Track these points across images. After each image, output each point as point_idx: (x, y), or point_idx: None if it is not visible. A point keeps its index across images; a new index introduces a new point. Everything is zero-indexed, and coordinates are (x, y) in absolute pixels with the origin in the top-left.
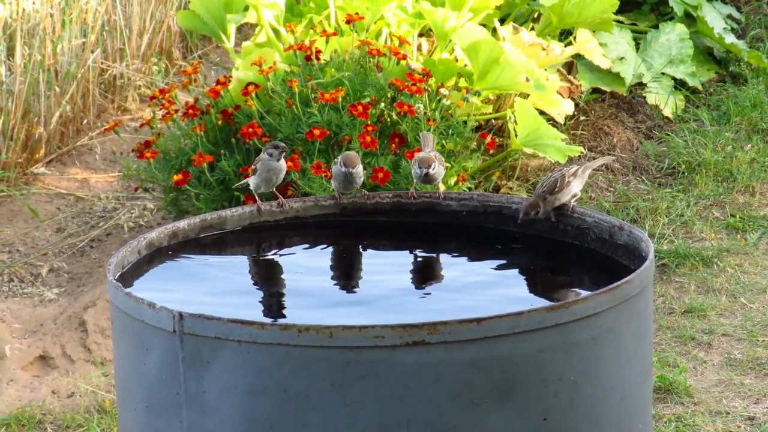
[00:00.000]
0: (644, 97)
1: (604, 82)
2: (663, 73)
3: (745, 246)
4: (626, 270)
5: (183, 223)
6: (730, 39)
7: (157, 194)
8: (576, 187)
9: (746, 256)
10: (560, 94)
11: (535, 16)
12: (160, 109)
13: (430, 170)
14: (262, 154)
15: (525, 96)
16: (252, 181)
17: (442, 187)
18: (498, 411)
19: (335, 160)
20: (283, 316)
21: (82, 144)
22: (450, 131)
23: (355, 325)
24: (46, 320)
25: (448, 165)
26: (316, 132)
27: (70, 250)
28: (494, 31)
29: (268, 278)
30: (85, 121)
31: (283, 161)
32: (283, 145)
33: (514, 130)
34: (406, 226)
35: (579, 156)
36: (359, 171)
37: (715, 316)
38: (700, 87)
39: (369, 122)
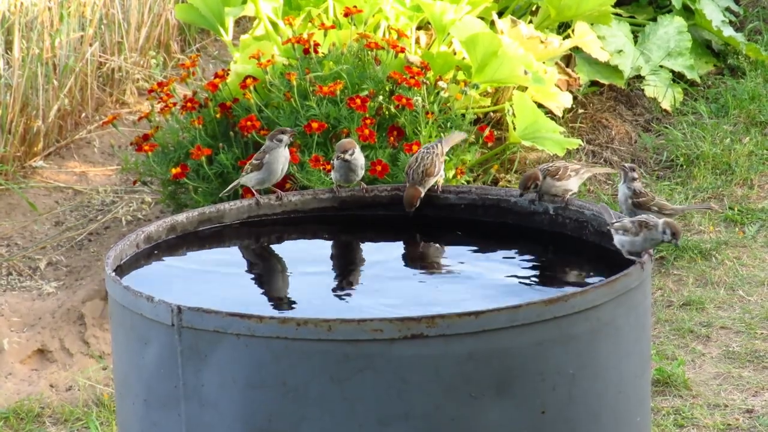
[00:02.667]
0: (642, 90)
1: (602, 74)
2: (661, 66)
3: (744, 239)
4: (625, 263)
5: (181, 217)
6: (728, 32)
7: (155, 187)
8: (573, 183)
9: (745, 248)
10: (558, 86)
11: (534, 8)
12: (159, 103)
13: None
14: (268, 143)
15: (523, 89)
16: (255, 177)
17: (441, 181)
18: (496, 404)
19: (336, 154)
20: (282, 310)
21: (81, 137)
22: (448, 124)
23: (354, 319)
24: (45, 314)
25: (447, 158)
26: (315, 125)
27: (68, 244)
28: (492, 24)
29: (267, 271)
30: (83, 115)
31: (287, 150)
32: (291, 129)
33: (513, 123)
34: (405, 219)
35: (577, 149)
36: (358, 158)
37: (713, 309)
38: (698, 80)
39: (367, 115)
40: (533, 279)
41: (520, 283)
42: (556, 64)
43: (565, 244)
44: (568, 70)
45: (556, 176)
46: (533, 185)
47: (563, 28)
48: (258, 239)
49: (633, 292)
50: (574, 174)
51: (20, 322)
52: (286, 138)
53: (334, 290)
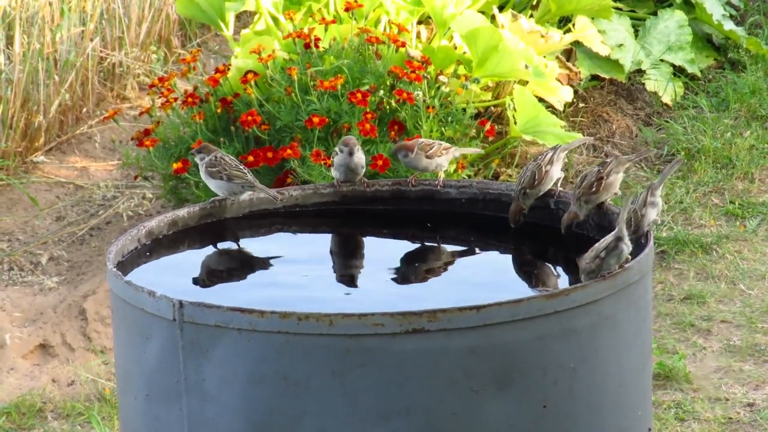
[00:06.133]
0: (643, 84)
1: (603, 69)
2: (662, 60)
3: (745, 232)
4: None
5: (182, 212)
6: (728, 25)
7: (156, 182)
8: (556, 173)
9: (745, 242)
10: (559, 81)
11: (534, 2)
12: (160, 98)
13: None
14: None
15: (524, 83)
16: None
17: (442, 175)
18: (497, 399)
19: (335, 149)
20: (283, 304)
21: (82, 132)
22: (449, 119)
23: (355, 313)
24: (46, 309)
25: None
26: (315, 120)
27: (69, 239)
28: (493, 18)
29: (268, 266)
30: (84, 110)
31: (220, 180)
32: (208, 147)
33: (513, 118)
34: (406, 213)
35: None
36: (360, 157)
37: (714, 303)
38: (698, 74)
39: (368, 110)
40: (534, 273)
41: (520, 277)
42: (557, 58)
43: (565, 238)
44: (569, 64)
45: (535, 183)
46: (519, 218)
47: (564, 22)
48: (259, 234)
49: (634, 286)
50: (550, 166)
51: (22, 317)
52: (198, 157)
53: (335, 285)
